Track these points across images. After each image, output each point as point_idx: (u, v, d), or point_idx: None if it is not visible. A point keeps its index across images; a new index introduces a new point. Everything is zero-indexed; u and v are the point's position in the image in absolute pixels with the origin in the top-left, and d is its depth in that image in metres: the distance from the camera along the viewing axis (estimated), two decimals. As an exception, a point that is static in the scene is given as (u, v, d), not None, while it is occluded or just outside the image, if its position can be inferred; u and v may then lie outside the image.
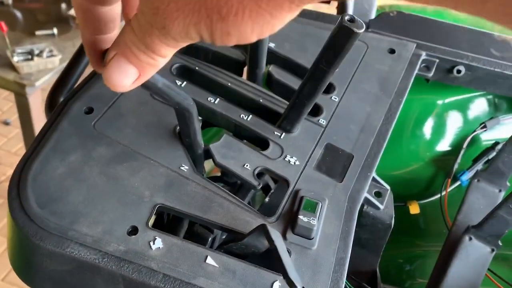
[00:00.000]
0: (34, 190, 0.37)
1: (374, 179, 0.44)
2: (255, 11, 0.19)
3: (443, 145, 0.65)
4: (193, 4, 0.20)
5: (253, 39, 0.21)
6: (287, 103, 0.47)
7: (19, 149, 1.96)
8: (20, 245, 0.37)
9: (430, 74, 0.53)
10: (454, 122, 0.65)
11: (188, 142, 0.40)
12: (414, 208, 0.60)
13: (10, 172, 1.86)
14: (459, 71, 0.53)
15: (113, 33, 0.28)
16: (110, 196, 0.38)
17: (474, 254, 0.44)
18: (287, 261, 0.32)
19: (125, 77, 0.25)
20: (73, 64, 0.56)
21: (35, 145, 0.40)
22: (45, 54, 1.51)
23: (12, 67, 1.48)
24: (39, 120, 1.57)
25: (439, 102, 0.65)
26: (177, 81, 0.46)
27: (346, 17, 0.34)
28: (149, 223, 0.37)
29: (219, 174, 0.54)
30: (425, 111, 0.65)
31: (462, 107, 0.64)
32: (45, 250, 0.35)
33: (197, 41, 0.22)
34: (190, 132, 0.39)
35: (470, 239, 0.45)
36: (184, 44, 0.23)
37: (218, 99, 0.46)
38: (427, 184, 0.64)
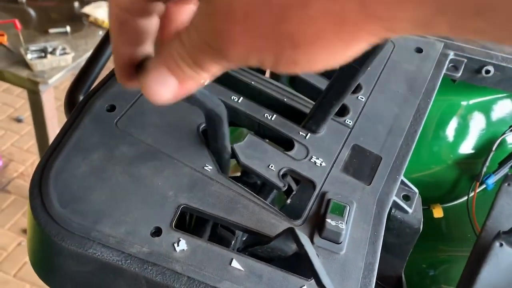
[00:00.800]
0: (56, 189, 0.36)
1: (402, 182, 0.43)
2: (333, 41, 0.18)
3: (467, 147, 0.63)
4: (262, 28, 0.18)
5: (318, 69, 0.20)
6: (312, 102, 0.45)
7: (31, 146, 1.97)
8: (41, 244, 0.36)
9: (458, 74, 0.52)
10: (479, 124, 0.63)
11: (215, 147, 0.39)
12: (437, 212, 0.58)
13: (22, 168, 1.87)
14: (488, 71, 0.52)
15: (146, 47, 0.27)
16: (133, 196, 0.37)
17: (505, 261, 0.42)
18: (319, 266, 0.31)
19: (164, 88, 0.23)
20: (91, 62, 0.55)
21: (57, 143, 0.39)
22: (58, 52, 1.51)
23: (26, 65, 1.48)
24: (51, 117, 1.57)
25: (463, 103, 0.63)
26: (199, 79, 0.45)
27: (381, 14, 0.32)
28: (173, 224, 0.36)
29: (238, 174, 0.53)
30: (449, 112, 0.63)
31: (487, 108, 0.63)
32: (67, 250, 0.34)
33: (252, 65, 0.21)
34: (218, 137, 0.38)
35: (501, 245, 0.43)
36: (237, 67, 0.22)
37: (241, 98, 0.45)
38: (451, 187, 0.63)
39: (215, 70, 0.22)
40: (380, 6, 0.16)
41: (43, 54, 1.50)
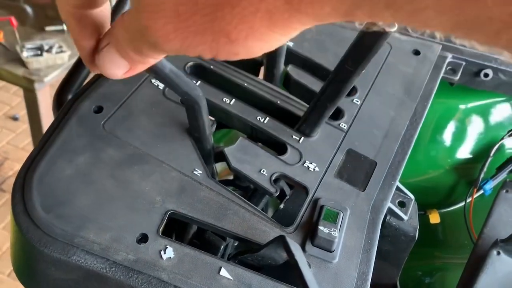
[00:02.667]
0: (39, 192, 0.35)
1: (397, 188, 0.42)
2: (266, 33, 0.19)
3: (465, 152, 0.62)
4: (195, 26, 0.19)
5: (260, 54, 0.20)
6: (306, 105, 0.44)
7: (27, 144, 1.96)
8: (23, 251, 0.35)
9: (456, 78, 0.50)
10: (477, 128, 0.62)
11: (196, 137, 0.38)
12: (434, 217, 0.57)
13: (17, 167, 1.85)
14: (486, 75, 0.51)
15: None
16: (119, 201, 0.35)
17: (502, 270, 0.41)
18: (309, 277, 0.30)
19: (116, 68, 0.25)
20: (81, 62, 0.54)
21: (42, 145, 0.38)
22: (54, 50, 1.50)
23: (22, 63, 1.47)
24: (47, 116, 1.56)
25: (461, 106, 0.62)
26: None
27: (377, 15, 0.31)
28: (160, 231, 0.35)
29: (230, 177, 0.51)
30: (446, 115, 0.62)
31: (485, 112, 0.62)
32: (50, 257, 0.33)
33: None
34: (199, 126, 0.37)
35: (498, 253, 0.42)
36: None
37: (233, 99, 0.43)
38: (448, 193, 0.62)
39: (159, 56, 0.23)
40: (304, 3, 0.17)
41: (39, 52, 1.48)
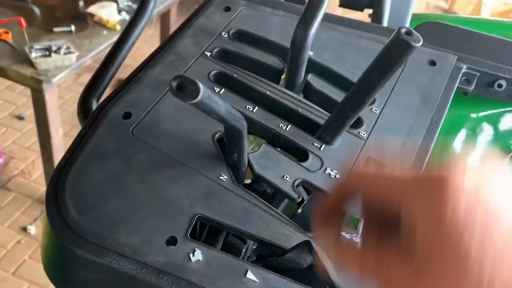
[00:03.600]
0: (72, 196, 0.36)
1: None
2: None
3: (475, 161, 0.63)
4: None
5: None
6: (326, 113, 0.45)
7: (32, 143, 1.97)
8: (56, 251, 0.36)
9: (471, 88, 0.52)
10: (488, 137, 0.63)
11: (232, 161, 0.39)
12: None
13: (22, 166, 1.86)
14: (500, 86, 0.52)
15: None
16: (148, 205, 0.37)
17: None
18: (339, 282, 0.31)
19: None
20: (104, 67, 0.55)
21: (72, 150, 0.39)
22: (62, 51, 1.51)
23: (30, 63, 1.48)
24: (54, 116, 1.57)
25: (473, 115, 0.63)
26: (215, 88, 0.45)
27: (403, 30, 0.33)
28: (188, 234, 0.36)
29: (248, 181, 0.53)
30: (458, 124, 0.63)
31: (497, 121, 0.63)
32: (83, 258, 0.34)
33: None
34: (237, 151, 0.38)
35: None
36: None
37: (256, 107, 0.45)
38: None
39: None
40: None
41: (47, 53, 1.49)
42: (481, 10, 2.71)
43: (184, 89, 0.25)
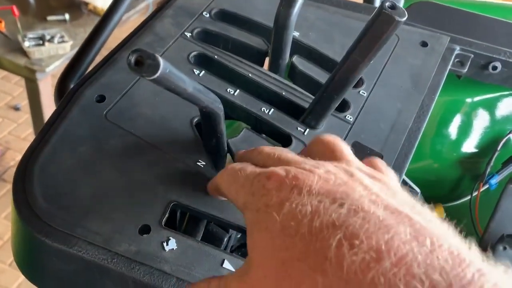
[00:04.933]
0: (40, 182, 0.35)
1: (403, 181, 0.41)
2: None
3: (471, 146, 0.62)
4: None
5: None
6: (312, 96, 0.44)
7: (29, 134, 1.96)
8: (25, 241, 0.35)
9: (464, 70, 0.50)
10: (483, 122, 0.61)
11: (211, 146, 0.37)
12: (439, 212, 0.57)
13: (19, 157, 1.85)
14: (495, 68, 0.50)
15: None
16: (121, 192, 0.35)
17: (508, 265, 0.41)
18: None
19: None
20: (84, 51, 0.53)
21: (43, 134, 0.37)
22: (56, 40, 1.49)
23: (23, 52, 1.46)
24: (49, 106, 1.55)
25: (468, 100, 0.61)
26: (194, 70, 0.43)
27: (387, 3, 0.30)
28: (162, 222, 0.34)
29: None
30: (453, 109, 0.61)
31: (492, 106, 0.61)
32: (51, 247, 0.32)
33: None
34: (215, 136, 0.36)
35: (505, 248, 0.42)
36: None
37: (237, 90, 0.43)
38: (453, 187, 0.61)
39: None
40: None
41: (41, 42, 1.47)
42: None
43: (143, 64, 0.23)
